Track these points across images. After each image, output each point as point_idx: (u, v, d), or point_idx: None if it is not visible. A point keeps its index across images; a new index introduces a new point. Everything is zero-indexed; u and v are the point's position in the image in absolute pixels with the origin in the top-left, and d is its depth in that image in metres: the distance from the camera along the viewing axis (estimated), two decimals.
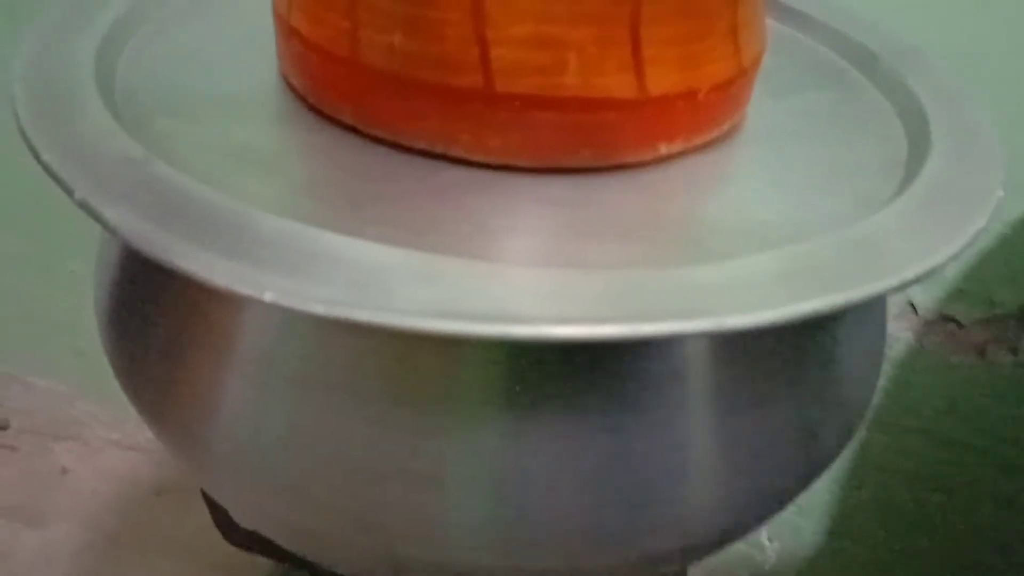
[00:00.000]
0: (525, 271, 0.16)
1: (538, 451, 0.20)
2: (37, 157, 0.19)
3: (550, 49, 0.20)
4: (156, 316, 0.22)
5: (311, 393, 0.21)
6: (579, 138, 0.21)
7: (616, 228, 0.20)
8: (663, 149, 0.22)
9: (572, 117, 0.21)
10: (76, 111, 0.20)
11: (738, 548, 0.62)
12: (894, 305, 0.54)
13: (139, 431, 0.79)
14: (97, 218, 0.17)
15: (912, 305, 0.53)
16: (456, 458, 0.20)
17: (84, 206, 0.17)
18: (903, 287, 0.17)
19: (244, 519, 0.25)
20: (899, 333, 0.54)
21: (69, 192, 0.18)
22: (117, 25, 0.25)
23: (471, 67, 0.20)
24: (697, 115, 0.22)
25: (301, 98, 0.24)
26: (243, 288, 0.16)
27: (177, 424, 0.22)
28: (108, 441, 0.81)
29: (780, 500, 0.25)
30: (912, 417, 0.55)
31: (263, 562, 0.61)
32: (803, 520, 0.62)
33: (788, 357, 0.23)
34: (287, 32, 0.23)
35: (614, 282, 0.16)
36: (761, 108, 0.26)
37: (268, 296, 0.16)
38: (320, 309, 0.15)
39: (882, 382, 0.55)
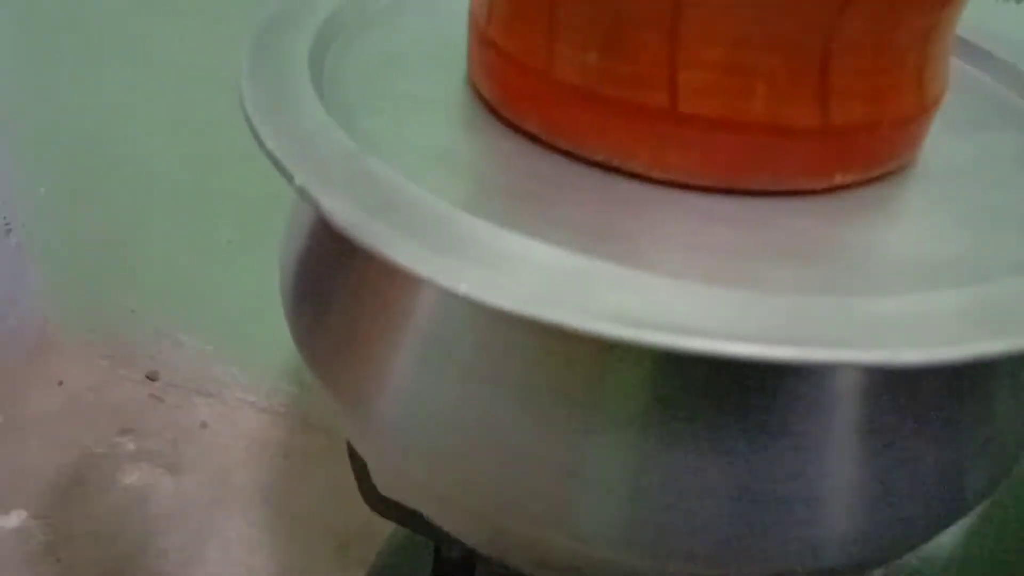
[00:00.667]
0: (710, 289, 0.17)
1: (679, 460, 0.21)
2: (262, 145, 0.21)
3: (739, 74, 0.20)
4: (339, 291, 0.24)
5: (476, 380, 0.22)
6: (758, 161, 0.21)
7: (791, 252, 0.20)
8: (839, 178, 0.22)
9: (754, 140, 0.21)
10: (294, 105, 0.22)
11: None
12: None
13: (273, 395, 0.84)
14: (313, 204, 0.19)
15: None
16: (601, 456, 0.21)
17: (302, 192, 0.19)
18: None
19: (390, 487, 0.27)
20: None
21: (289, 178, 0.20)
22: (327, 24, 0.27)
23: (658, 86, 0.21)
24: (876, 148, 0.22)
25: (487, 104, 0.25)
26: (442, 279, 0.17)
27: (348, 387, 0.24)
28: (244, 402, 0.86)
29: (914, 539, 0.25)
30: None
31: (375, 531, 0.63)
32: (924, 567, 0.60)
33: (943, 396, 0.23)
34: (483, 42, 0.24)
35: (792, 305, 0.17)
36: (939, 145, 0.26)
37: (463, 288, 0.17)
38: (509, 305, 0.17)
39: None
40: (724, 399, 0.21)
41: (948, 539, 0.55)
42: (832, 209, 0.22)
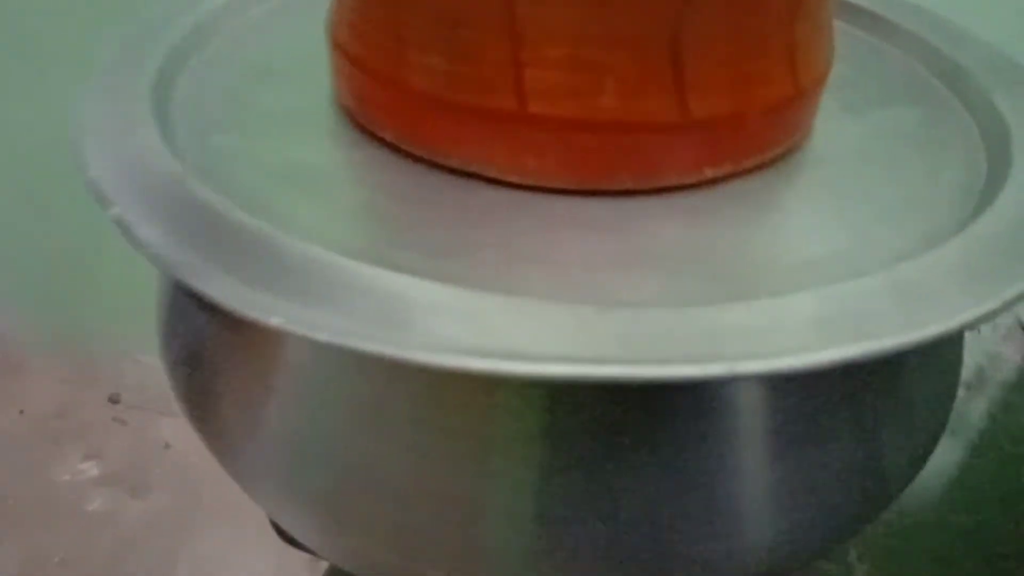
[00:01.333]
0: (543, 306, 0.16)
1: (574, 486, 0.20)
2: (83, 171, 0.19)
3: (585, 72, 0.19)
4: (201, 329, 0.23)
5: (344, 413, 0.21)
6: (618, 161, 0.20)
7: (652, 258, 0.19)
8: (708, 172, 0.21)
9: (610, 139, 0.20)
10: (126, 126, 0.21)
11: (824, 568, 0.60)
12: (1002, 325, 0.50)
13: None
14: (128, 237, 0.18)
15: (1022, 325, 0.50)
16: (488, 488, 0.20)
17: (119, 223, 0.18)
18: (947, 336, 0.16)
19: (283, 525, 0.26)
20: (1007, 354, 0.50)
21: (106, 209, 0.18)
22: (192, 34, 0.26)
23: (505, 88, 0.20)
24: (746, 139, 0.21)
25: (348, 115, 0.24)
26: (252, 312, 0.16)
27: (221, 437, 0.23)
28: None
29: (842, 532, 0.24)
30: (1018, 443, 0.52)
31: None
32: (896, 541, 0.59)
33: (847, 391, 0.21)
34: (336, 47, 0.23)
35: (633, 321, 0.16)
36: (832, 126, 0.25)
37: (275, 321, 0.16)
38: (323, 337, 0.15)
39: (986, 405, 0.52)
40: (605, 420, 0.20)
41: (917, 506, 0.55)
42: (703, 206, 0.21)
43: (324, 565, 0.74)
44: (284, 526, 0.25)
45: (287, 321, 0.16)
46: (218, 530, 0.76)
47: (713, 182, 0.21)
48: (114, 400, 0.87)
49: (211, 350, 0.22)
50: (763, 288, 0.18)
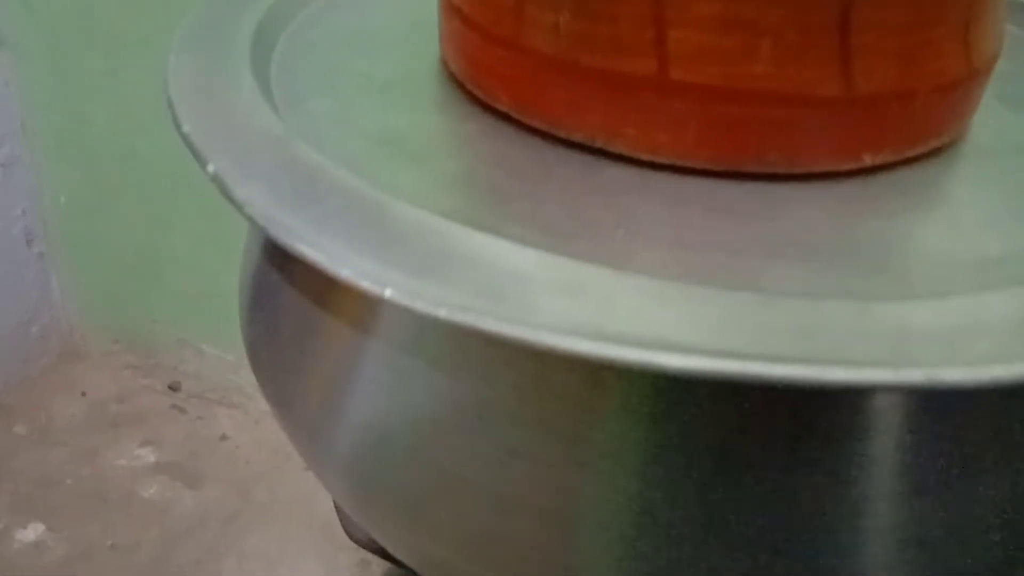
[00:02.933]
0: (688, 290, 0.14)
1: (683, 501, 0.17)
2: (178, 127, 0.18)
3: (739, 32, 0.17)
4: (289, 305, 0.21)
5: (439, 406, 0.19)
6: (766, 139, 0.18)
7: (803, 248, 0.17)
8: (867, 159, 0.19)
9: (760, 113, 0.17)
10: (225, 85, 0.19)
11: None
12: None
13: None
14: (227, 195, 0.16)
15: None
16: (588, 497, 0.18)
17: (216, 180, 0.16)
18: None
19: (360, 522, 0.24)
20: None
21: (203, 165, 0.17)
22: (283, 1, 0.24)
23: (644, 50, 0.17)
24: (913, 121, 0.19)
25: (459, 83, 0.22)
26: (365, 282, 0.14)
27: (301, 421, 0.21)
28: (267, 413, 0.84)
29: None
30: None
31: None
32: None
33: (1003, 421, 0.19)
34: (448, 9, 0.21)
35: (798, 312, 0.13)
36: (991, 119, 0.22)
37: (388, 293, 0.14)
38: (443, 313, 0.13)
39: None
40: (729, 428, 0.17)
41: None
42: (859, 196, 0.18)
43: (376, 571, 0.72)
44: (357, 520, 0.23)
45: (401, 293, 0.14)
46: (267, 528, 0.75)
47: (870, 171, 0.19)
48: (174, 388, 0.86)
49: (297, 329, 0.20)
50: (943, 286, 0.16)
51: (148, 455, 0.81)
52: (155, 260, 0.81)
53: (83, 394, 0.87)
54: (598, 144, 0.19)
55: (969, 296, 0.14)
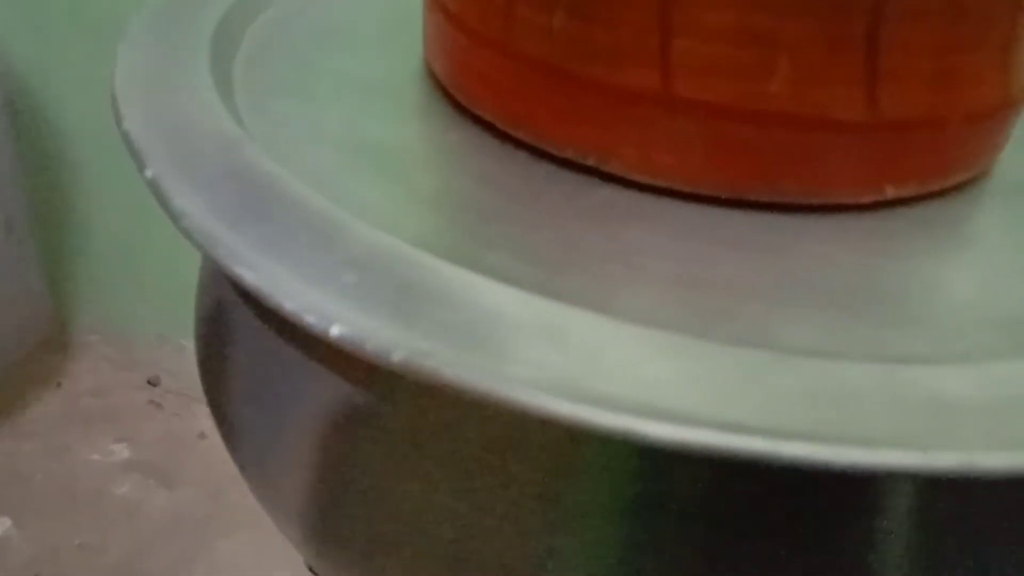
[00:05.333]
0: (685, 343, 0.12)
1: (668, 569, 0.15)
2: (118, 124, 0.16)
3: (755, 46, 0.15)
4: (235, 336, 0.19)
5: (398, 451, 0.17)
6: (780, 165, 0.16)
7: (818, 291, 0.15)
8: (890, 191, 0.17)
9: (774, 137, 0.16)
10: (179, 80, 0.17)
11: None
12: None
13: None
14: (163, 204, 0.14)
15: None
16: (561, 563, 0.15)
17: (153, 187, 0.14)
18: None
19: (314, 566, 0.22)
20: None
21: (140, 168, 0.15)
22: None
23: (646, 60, 0.15)
24: (942, 152, 0.17)
25: (443, 88, 0.20)
26: (309, 318, 0.12)
27: (250, 465, 0.19)
28: None
29: None
30: None
31: None
32: None
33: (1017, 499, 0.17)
34: (433, 6, 0.19)
35: (812, 375, 0.11)
36: (1019, 152, 0.20)
37: (336, 332, 0.12)
38: (398, 358, 0.11)
39: None
40: (717, 500, 0.15)
41: None
42: (879, 232, 0.16)
43: None
44: (311, 563, 0.21)
45: (350, 332, 0.12)
46: (241, 532, 0.73)
47: (891, 204, 0.17)
48: (153, 383, 0.84)
49: (242, 349, 0.18)
50: (981, 345, 0.14)
51: (122, 451, 0.79)
52: (136, 253, 0.79)
53: (58, 385, 0.85)
54: (591, 162, 0.17)
55: (1007, 362, 0.12)
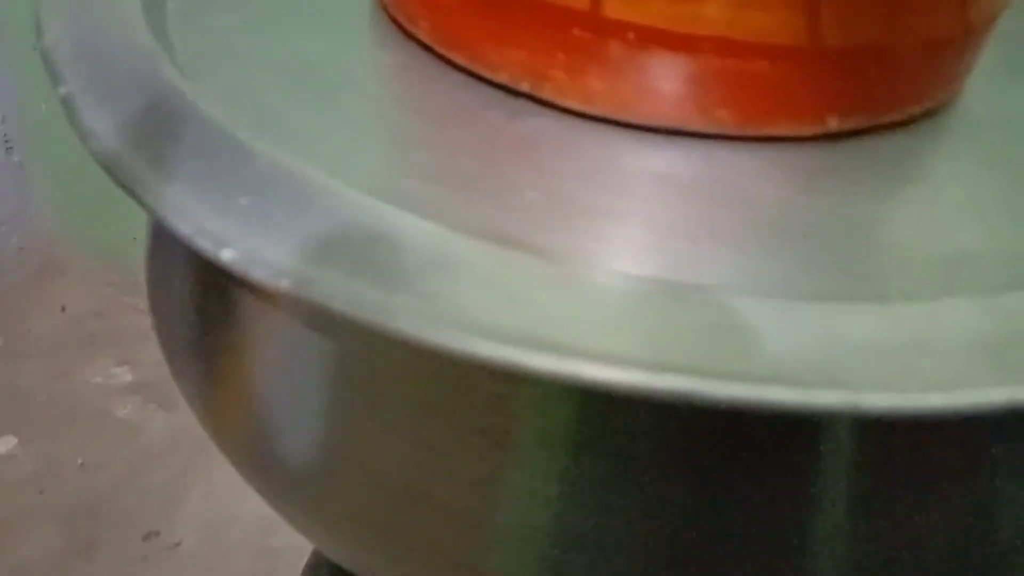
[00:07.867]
0: (576, 276, 0.11)
1: (603, 511, 0.15)
2: (39, 40, 0.15)
3: None
4: (182, 289, 0.19)
5: (339, 386, 0.17)
6: (715, 93, 0.15)
7: (748, 228, 0.14)
8: (833, 123, 0.16)
9: (708, 63, 0.15)
10: None
11: None
12: None
13: None
14: (73, 123, 0.14)
15: None
16: (502, 499, 0.16)
17: (66, 105, 0.14)
18: None
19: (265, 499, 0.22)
20: None
21: (55, 85, 0.14)
22: None
23: None
24: (890, 82, 0.16)
25: (385, 8, 0.19)
26: (200, 239, 0.12)
27: (214, 427, 0.19)
28: None
29: None
30: None
31: None
32: None
33: (966, 439, 0.16)
34: None
35: (702, 309, 0.11)
36: (987, 85, 0.19)
37: (226, 255, 0.12)
38: (286, 285, 0.11)
39: None
40: (656, 437, 0.15)
41: None
42: (821, 168, 0.16)
43: None
44: (263, 498, 0.22)
45: (241, 257, 0.12)
46: None
47: (835, 137, 0.16)
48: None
49: (177, 286, 0.18)
50: (901, 286, 0.13)
51: (124, 374, 0.80)
52: None
53: (62, 309, 0.86)
54: (524, 88, 0.16)
55: (920, 304, 0.12)
